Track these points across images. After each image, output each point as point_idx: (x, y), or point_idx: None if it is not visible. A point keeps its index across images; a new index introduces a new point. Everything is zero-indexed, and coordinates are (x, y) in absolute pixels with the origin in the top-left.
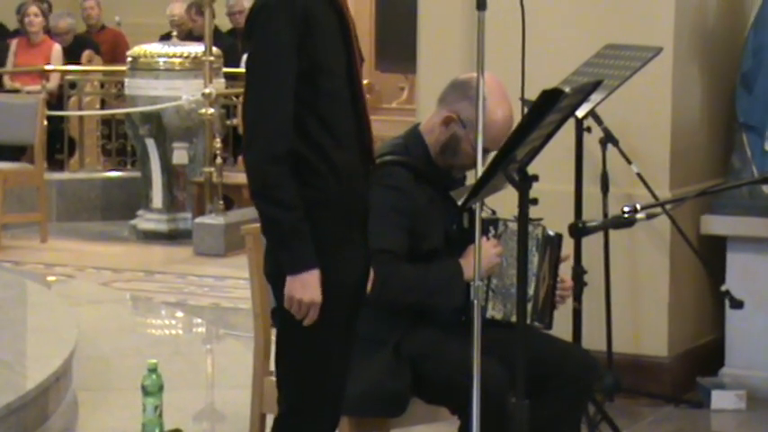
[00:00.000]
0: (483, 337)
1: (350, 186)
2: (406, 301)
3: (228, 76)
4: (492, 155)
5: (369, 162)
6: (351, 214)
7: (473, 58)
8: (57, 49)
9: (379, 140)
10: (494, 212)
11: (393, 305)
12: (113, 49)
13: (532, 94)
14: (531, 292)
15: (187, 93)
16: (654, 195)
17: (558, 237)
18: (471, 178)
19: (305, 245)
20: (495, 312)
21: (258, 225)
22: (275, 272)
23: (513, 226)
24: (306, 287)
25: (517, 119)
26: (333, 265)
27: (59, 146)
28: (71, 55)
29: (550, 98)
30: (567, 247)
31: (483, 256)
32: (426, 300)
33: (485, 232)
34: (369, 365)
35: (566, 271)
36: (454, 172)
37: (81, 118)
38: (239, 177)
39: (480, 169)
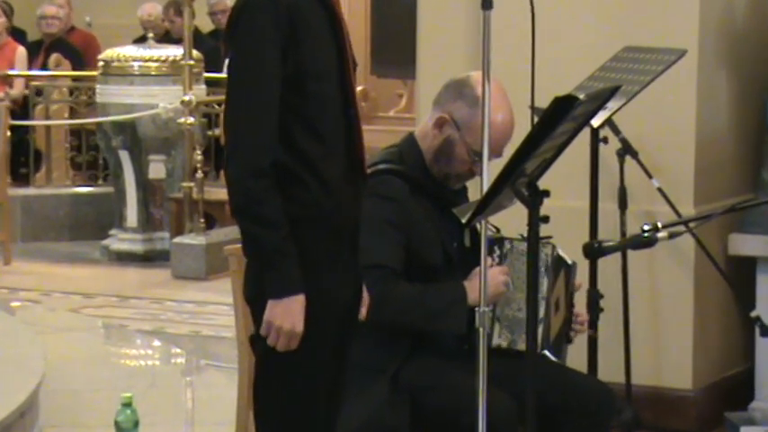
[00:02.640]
0: (489, 367)
1: (339, 201)
2: (402, 323)
3: (210, 82)
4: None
5: (360, 175)
6: (340, 231)
7: (478, 62)
8: (21, 52)
9: (375, 151)
10: (497, 230)
11: (387, 327)
12: (83, 53)
13: (543, 101)
14: (540, 316)
15: (164, 100)
16: (677, 212)
17: (573, 264)
18: (474, 191)
19: (290, 267)
20: (500, 340)
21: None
22: (257, 295)
23: (520, 245)
24: (288, 314)
25: (527, 128)
26: (320, 287)
27: (24, 159)
28: (49, 54)
29: (563, 106)
30: (582, 268)
31: (489, 282)
32: (425, 323)
33: (488, 252)
34: (365, 397)
35: (580, 299)
36: (451, 182)
37: (48, 128)
38: (222, 193)
39: (486, 180)
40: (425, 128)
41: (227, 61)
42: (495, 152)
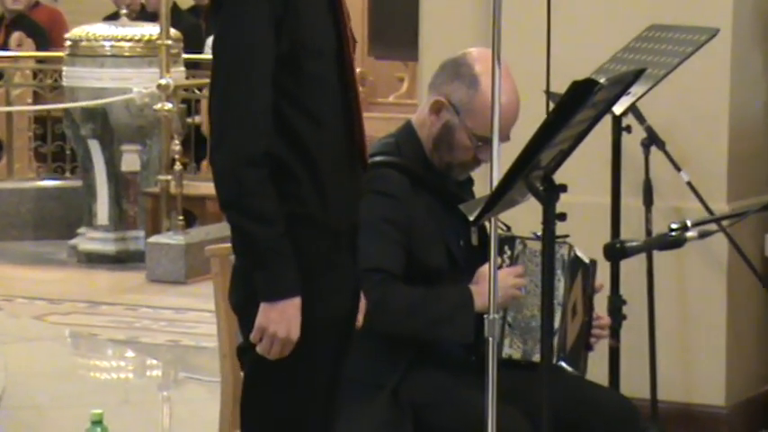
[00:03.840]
0: (500, 382)
1: (337, 196)
2: (402, 332)
3: (190, 64)
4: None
5: (360, 165)
6: (337, 231)
7: (487, 42)
8: None
9: (371, 142)
10: (508, 228)
11: (386, 336)
12: (49, 31)
13: (560, 85)
14: (556, 324)
15: (139, 84)
16: (708, 209)
17: (593, 264)
18: (483, 186)
19: (287, 267)
20: (512, 351)
21: (226, 246)
22: (246, 300)
23: (533, 245)
24: (283, 319)
25: (542, 116)
26: (315, 293)
27: None
28: (10, 33)
29: (582, 91)
30: (602, 273)
31: (498, 285)
32: (426, 331)
33: (498, 253)
34: (362, 414)
35: (600, 303)
36: (453, 172)
37: (9, 115)
38: (202, 187)
39: (496, 169)
40: (422, 114)
41: (209, 41)
42: (502, 136)
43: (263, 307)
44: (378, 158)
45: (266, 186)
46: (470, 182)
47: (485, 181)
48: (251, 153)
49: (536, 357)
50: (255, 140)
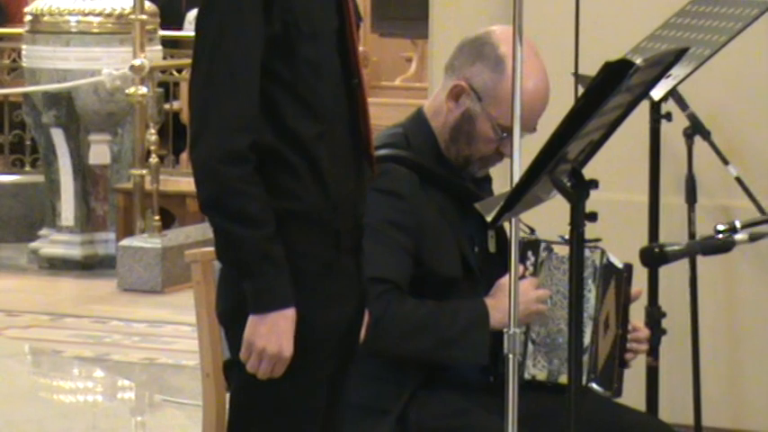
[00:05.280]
0: (522, 406)
1: (339, 193)
2: (409, 351)
3: (167, 43)
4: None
5: (365, 160)
6: (338, 230)
7: (507, 17)
8: None
9: (376, 132)
10: (532, 231)
11: (391, 356)
12: (5, 5)
13: (590, 67)
14: (586, 341)
15: (109, 65)
16: (760, 208)
17: (627, 268)
18: (503, 182)
19: (277, 274)
20: (536, 371)
21: (208, 250)
22: (233, 310)
23: (560, 250)
24: (273, 333)
25: (569, 102)
26: (312, 301)
27: None
28: None
29: (616, 73)
30: (639, 281)
31: (520, 299)
32: (435, 351)
33: (520, 259)
34: None
35: (636, 316)
36: (472, 167)
37: None
38: (182, 183)
39: (518, 166)
40: (437, 101)
41: (189, 15)
42: (527, 127)
43: (251, 319)
44: (383, 152)
45: (252, 184)
46: (489, 180)
47: (504, 177)
48: (233, 147)
49: (563, 378)
50: (239, 133)
